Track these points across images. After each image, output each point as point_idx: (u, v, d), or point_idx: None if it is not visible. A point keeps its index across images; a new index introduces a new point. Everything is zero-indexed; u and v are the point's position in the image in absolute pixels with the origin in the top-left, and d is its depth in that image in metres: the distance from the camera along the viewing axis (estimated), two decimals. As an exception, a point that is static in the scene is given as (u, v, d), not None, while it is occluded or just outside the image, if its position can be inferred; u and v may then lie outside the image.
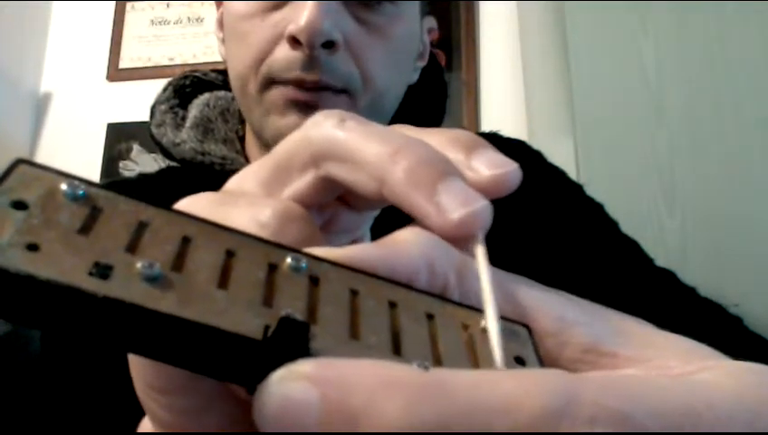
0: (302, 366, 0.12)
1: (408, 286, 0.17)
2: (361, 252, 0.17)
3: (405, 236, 0.18)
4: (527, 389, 0.12)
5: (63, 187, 0.16)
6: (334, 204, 0.23)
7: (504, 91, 1.49)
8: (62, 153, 1.61)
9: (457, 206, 0.18)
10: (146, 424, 0.20)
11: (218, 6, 0.60)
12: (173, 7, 1.72)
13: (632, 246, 0.57)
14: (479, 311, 0.17)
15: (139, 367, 0.18)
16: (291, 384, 0.12)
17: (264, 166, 0.21)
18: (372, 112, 0.52)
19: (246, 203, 0.19)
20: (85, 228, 0.15)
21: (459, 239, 0.18)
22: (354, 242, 0.25)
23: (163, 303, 0.14)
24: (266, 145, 0.53)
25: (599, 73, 1.10)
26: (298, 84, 0.48)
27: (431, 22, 0.60)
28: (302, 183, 0.21)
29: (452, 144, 0.20)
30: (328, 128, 0.20)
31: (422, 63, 0.60)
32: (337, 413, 0.12)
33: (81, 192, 0.16)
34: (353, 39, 0.49)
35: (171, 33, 1.70)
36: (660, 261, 0.56)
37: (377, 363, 0.12)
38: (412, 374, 0.12)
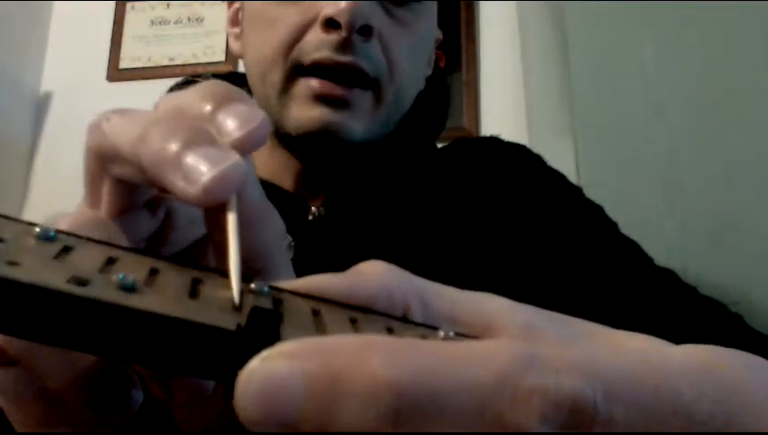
0: (283, 346, 0.12)
1: (366, 309, 0.18)
2: (320, 281, 0.18)
3: (366, 268, 0.18)
4: (496, 345, 0.13)
5: (36, 230, 0.17)
6: (162, 201, 0.23)
7: (504, 92, 1.49)
8: (62, 153, 1.60)
9: (201, 174, 0.18)
10: None
11: (230, 5, 0.60)
12: (173, 7, 1.72)
13: (632, 247, 0.57)
14: (436, 328, 0.18)
15: None
16: (273, 362, 0.12)
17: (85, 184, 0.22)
18: (395, 107, 0.53)
19: (63, 219, 0.21)
20: (59, 258, 0.16)
21: (214, 204, 0.18)
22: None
23: (140, 302, 0.14)
24: (280, 137, 0.52)
25: (599, 74, 1.10)
26: (328, 69, 0.48)
27: (439, 33, 0.61)
28: (105, 192, 0.22)
29: (202, 100, 0.21)
30: (97, 131, 0.21)
31: (429, 71, 0.60)
32: (322, 379, 0.12)
33: (52, 234, 0.17)
34: (384, 30, 0.50)
35: (171, 33, 1.69)
36: (660, 261, 0.56)
37: (354, 335, 0.13)
38: (388, 338, 0.13)
